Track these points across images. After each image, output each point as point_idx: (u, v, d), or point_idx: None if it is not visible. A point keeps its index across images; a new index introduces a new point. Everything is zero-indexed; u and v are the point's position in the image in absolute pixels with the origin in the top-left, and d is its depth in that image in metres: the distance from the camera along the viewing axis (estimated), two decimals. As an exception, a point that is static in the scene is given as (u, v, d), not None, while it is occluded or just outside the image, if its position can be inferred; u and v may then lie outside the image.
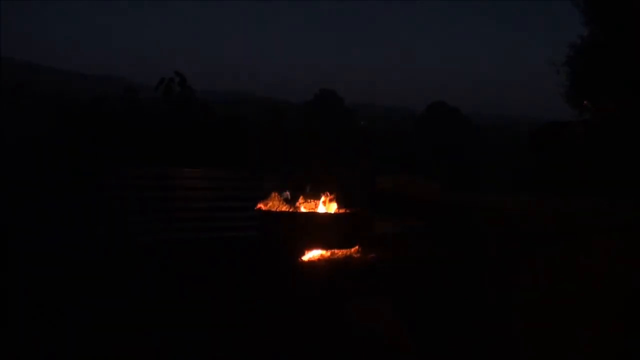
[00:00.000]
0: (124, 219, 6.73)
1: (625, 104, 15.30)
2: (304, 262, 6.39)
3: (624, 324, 4.20)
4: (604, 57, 15.60)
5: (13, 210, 7.52)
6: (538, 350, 4.03)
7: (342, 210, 6.94)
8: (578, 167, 15.09)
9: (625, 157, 14.11)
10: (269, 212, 6.79)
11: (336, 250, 6.61)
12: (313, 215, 6.81)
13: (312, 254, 6.51)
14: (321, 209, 6.90)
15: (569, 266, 5.45)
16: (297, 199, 6.94)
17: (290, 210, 6.85)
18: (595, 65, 15.90)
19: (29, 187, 8.09)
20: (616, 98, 15.56)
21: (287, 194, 6.93)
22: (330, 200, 6.92)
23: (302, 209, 6.90)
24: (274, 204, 6.89)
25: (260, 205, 6.88)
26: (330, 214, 6.87)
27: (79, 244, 6.28)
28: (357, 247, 6.75)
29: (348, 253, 6.62)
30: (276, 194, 6.93)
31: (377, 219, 7.65)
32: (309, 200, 6.97)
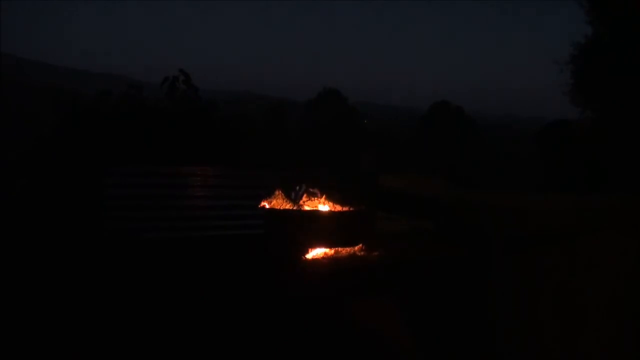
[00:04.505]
0: (126, 217, 6.72)
1: (629, 101, 15.30)
2: (307, 260, 6.36)
3: (629, 324, 4.17)
4: (607, 55, 15.60)
5: (14, 209, 7.51)
6: (539, 350, 4.01)
7: (345, 209, 6.92)
8: (582, 164, 15.08)
9: (629, 154, 14.09)
10: (272, 210, 6.77)
11: (340, 249, 6.59)
12: (317, 214, 6.79)
13: (316, 252, 6.49)
14: (324, 207, 6.89)
15: (572, 265, 5.42)
16: (300, 197, 6.93)
17: (294, 208, 6.83)
18: (599, 63, 15.90)
19: (29, 185, 8.08)
20: (620, 96, 15.56)
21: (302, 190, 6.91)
22: (322, 200, 6.92)
23: (306, 207, 6.88)
24: (278, 202, 6.88)
25: (264, 203, 6.86)
26: (334, 212, 6.85)
27: (80, 243, 6.26)
28: (360, 245, 6.73)
29: (352, 251, 6.61)
30: (280, 191, 6.91)
31: (381, 218, 7.63)
32: (313, 199, 6.95)
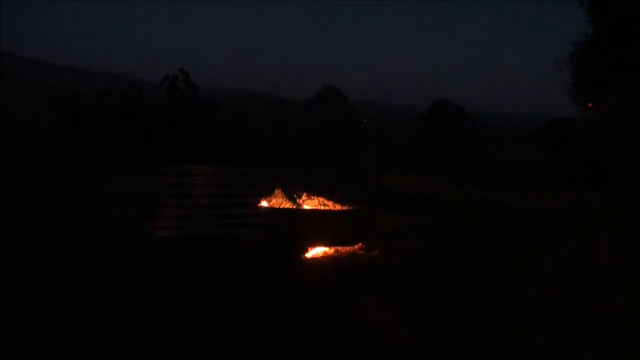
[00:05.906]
0: (126, 217, 6.71)
1: (628, 99, 15.31)
2: (307, 259, 6.37)
3: (629, 324, 4.17)
4: (607, 53, 15.61)
5: (15, 209, 7.51)
6: (539, 350, 4.01)
7: (345, 208, 6.93)
8: (582, 164, 15.08)
9: (629, 154, 14.09)
10: (272, 209, 6.78)
11: (340, 248, 6.60)
12: (317, 213, 6.79)
13: (316, 251, 6.50)
14: (324, 206, 6.89)
15: (572, 265, 5.41)
16: (300, 196, 6.94)
17: (294, 207, 6.83)
18: (599, 62, 15.91)
19: (30, 185, 8.08)
20: (619, 94, 15.58)
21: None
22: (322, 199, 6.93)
23: (306, 206, 6.89)
24: (278, 201, 6.88)
25: (264, 202, 6.86)
26: (334, 211, 6.86)
27: (80, 242, 6.26)
28: (360, 244, 6.73)
29: (351, 250, 6.62)
30: (280, 190, 6.92)
31: (381, 217, 7.63)
32: (312, 197, 6.96)
